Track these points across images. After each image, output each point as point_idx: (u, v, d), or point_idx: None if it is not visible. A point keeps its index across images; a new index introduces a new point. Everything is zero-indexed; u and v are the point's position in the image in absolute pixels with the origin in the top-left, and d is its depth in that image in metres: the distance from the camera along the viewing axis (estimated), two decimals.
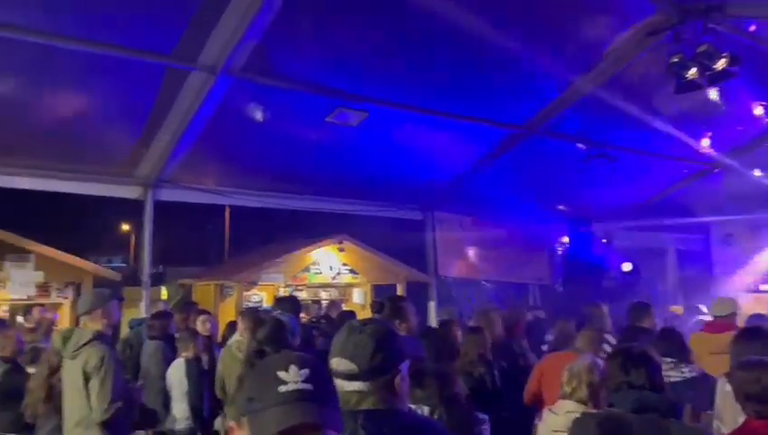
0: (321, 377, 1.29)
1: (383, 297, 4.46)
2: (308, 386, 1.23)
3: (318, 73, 6.79)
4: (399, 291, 10.95)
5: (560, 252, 12.02)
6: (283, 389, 1.21)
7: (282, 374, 1.23)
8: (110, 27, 5.78)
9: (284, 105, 7.35)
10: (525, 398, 4.66)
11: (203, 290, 10.83)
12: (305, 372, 1.24)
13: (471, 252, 10.92)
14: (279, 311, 5.00)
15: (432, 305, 10.54)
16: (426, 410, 2.97)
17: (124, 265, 26.29)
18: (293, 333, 3.98)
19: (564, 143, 8.56)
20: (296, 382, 1.22)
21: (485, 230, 11.04)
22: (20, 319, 7.30)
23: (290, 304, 5.34)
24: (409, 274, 10.81)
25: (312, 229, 11.52)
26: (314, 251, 10.58)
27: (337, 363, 1.84)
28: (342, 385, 1.80)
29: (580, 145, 8.51)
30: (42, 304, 7.39)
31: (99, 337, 3.94)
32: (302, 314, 6.26)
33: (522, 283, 12.01)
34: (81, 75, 6.32)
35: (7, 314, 7.48)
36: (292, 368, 1.24)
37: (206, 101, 6.64)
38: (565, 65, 7.22)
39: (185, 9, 5.70)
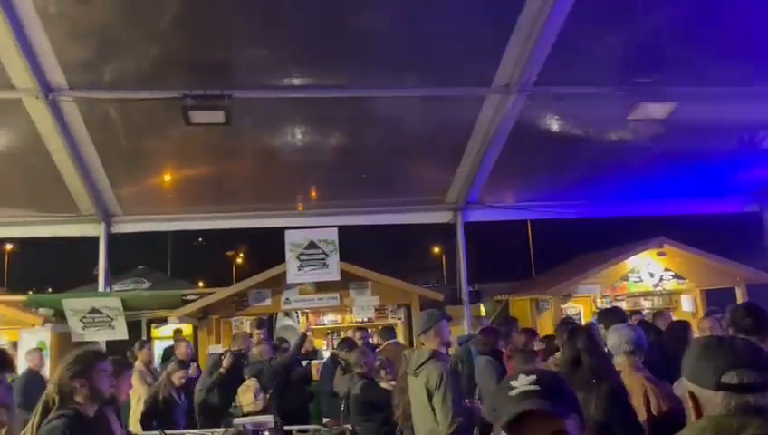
0: (548, 380, 1.43)
1: (740, 310, 3.80)
2: (534, 387, 1.38)
3: (615, 71, 6.43)
4: (739, 295, 9.58)
5: None
6: (512, 392, 1.39)
7: (512, 382, 1.42)
8: (414, 71, 6.36)
9: (581, 110, 7.12)
10: None
11: (519, 305, 10.98)
12: (532, 377, 1.41)
13: None
14: (602, 324, 4.77)
15: None
16: None
17: (438, 284, 28.08)
18: (639, 344, 3.62)
19: None
20: (523, 385, 1.39)
21: None
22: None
23: (615, 315, 5.05)
24: (750, 275, 9.38)
25: (624, 235, 10.83)
26: (631, 258, 9.91)
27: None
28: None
29: None
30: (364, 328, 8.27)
31: (435, 355, 4.24)
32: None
33: None
34: (392, 118, 7.05)
35: (352, 335, 8.58)
36: (521, 376, 1.42)
37: (504, 121, 6.80)
38: None
39: (474, 36, 5.95)
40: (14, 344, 8.93)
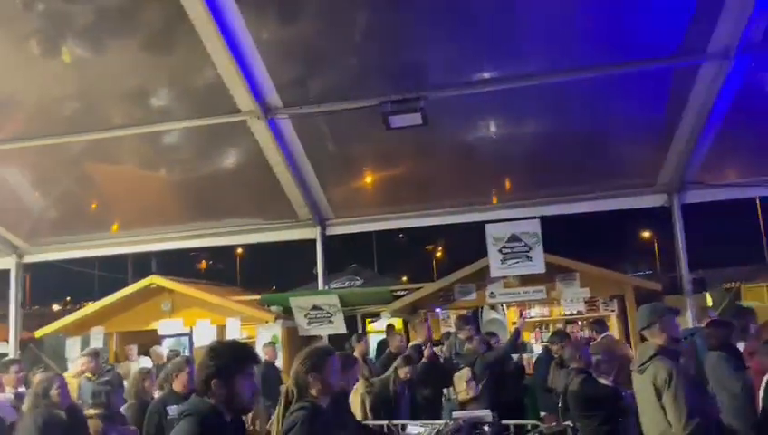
0: None
1: None
2: None
3: None
4: None
5: None
6: None
7: None
8: (612, 48, 5.97)
9: None
10: None
11: (753, 293, 9.75)
12: None
13: None
14: None
15: None
16: None
17: (650, 272, 26.08)
18: None
19: None
20: None
21: None
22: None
23: None
24: None
25: None
26: None
27: None
28: None
29: None
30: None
31: (662, 351, 3.94)
32: None
33: None
34: (591, 101, 6.68)
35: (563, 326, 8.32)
36: None
37: (723, 90, 6.10)
38: None
39: (684, 5, 5.44)
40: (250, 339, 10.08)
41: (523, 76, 6.31)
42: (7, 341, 9.00)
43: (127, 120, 6.75)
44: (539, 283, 8.24)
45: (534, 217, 7.52)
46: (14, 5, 5.46)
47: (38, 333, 11.72)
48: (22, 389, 6.55)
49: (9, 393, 6.36)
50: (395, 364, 6.26)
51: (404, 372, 5.97)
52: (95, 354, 8.26)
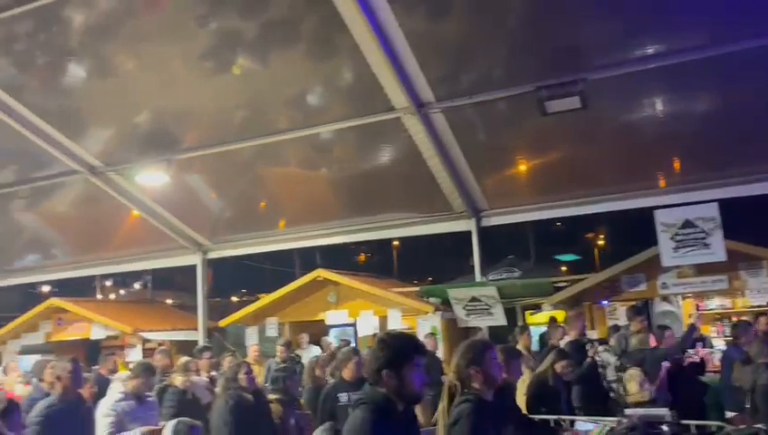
0: None
1: None
2: None
3: None
4: None
5: None
6: None
7: None
8: None
9: None
10: None
11: None
12: None
13: None
14: None
15: None
16: None
17: None
18: None
19: None
20: None
21: None
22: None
23: None
24: None
25: None
26: None
27: None
28: None
29: None
30: None
31: None
32: None
33: None
34: None
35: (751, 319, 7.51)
36: None
37: None
38: None
39: None
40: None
41: (690, 48, 5.78)
42: (196, 329, 10.03)
43: (290, 125, 7.21)
44: (719, 272, 7.51)
45: (712, 201, 6.87)
46: (190, 27, 6.04)
47: (222, 323, 12.92)
48: (214, 373, 7.29)
49: (204, 377, 7.10)
50: (550, 358, 6.04)
51: (561, 367, 5.74)
52: (288, 344, 9.04)
